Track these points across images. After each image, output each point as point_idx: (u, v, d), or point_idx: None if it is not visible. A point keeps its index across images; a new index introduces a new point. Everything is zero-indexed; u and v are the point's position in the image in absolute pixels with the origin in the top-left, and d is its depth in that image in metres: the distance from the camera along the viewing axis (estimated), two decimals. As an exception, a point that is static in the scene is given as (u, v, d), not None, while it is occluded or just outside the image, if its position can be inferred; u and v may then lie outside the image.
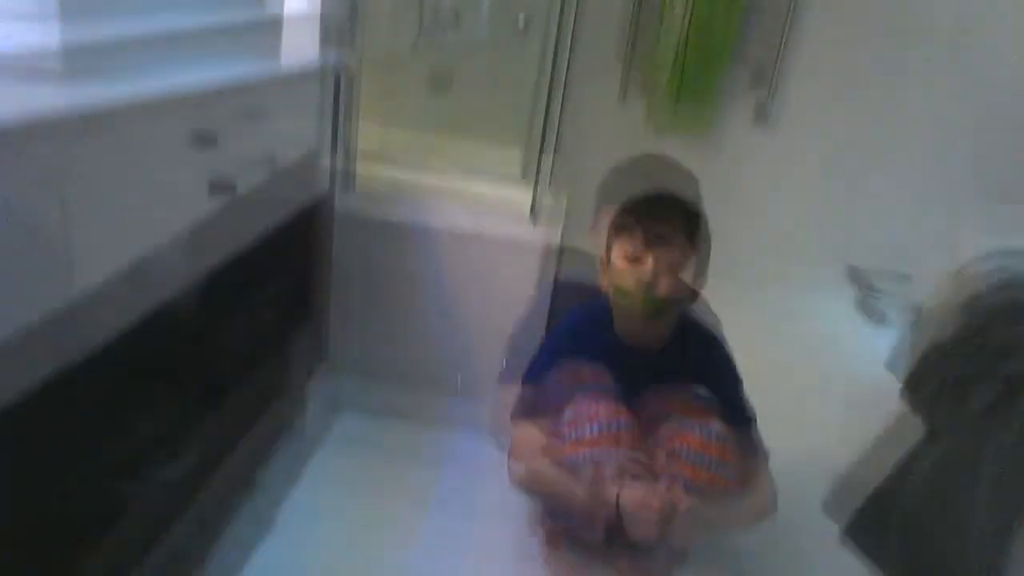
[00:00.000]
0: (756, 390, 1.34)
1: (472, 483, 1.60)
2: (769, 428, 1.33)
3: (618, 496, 1.16)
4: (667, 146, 2.90)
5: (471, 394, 1.75)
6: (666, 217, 1.23)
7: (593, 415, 1.22)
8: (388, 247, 1.64)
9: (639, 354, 1.29)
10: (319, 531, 1.42)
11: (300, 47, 1.41)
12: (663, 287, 1.21)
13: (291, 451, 1.61)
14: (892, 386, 1.71)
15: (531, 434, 1.27)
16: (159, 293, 0.90)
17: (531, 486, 1.28)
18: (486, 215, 1.65)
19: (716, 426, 1.23)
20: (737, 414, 1.30)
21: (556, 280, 1.77)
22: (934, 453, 1.51)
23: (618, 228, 1.26)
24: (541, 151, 1.64)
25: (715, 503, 1.19)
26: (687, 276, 1.24)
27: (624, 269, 1.23)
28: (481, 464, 1.66)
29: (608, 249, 1.29)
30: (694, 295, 1.29)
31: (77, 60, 0.77)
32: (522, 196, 1.67)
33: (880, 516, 1.55)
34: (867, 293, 3.12)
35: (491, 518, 1.51)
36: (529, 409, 1.29)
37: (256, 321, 1.37)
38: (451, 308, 1.68)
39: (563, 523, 1.35)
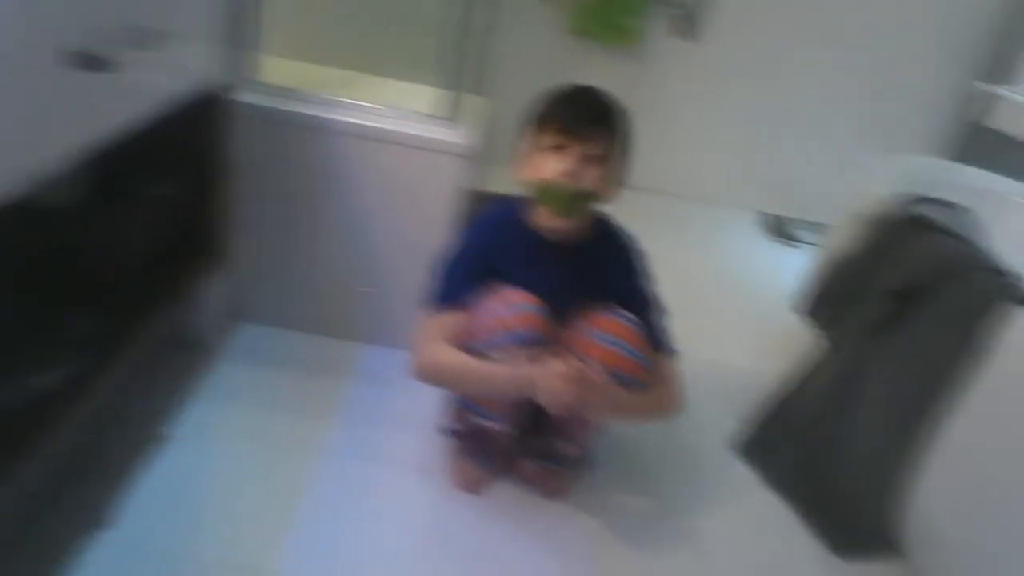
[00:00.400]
0: (666, 298, 1.36)
1: (379, 396, 1.58)
2: (677, 336, 1.35)
3: (531, 373, 1.15)
4: (592, 53, 2.86)
5: (381, 304, 1.70)
6: (590, 110, 1.22)
7: (503, 298, 1.21)
8: (295, 145, 1.54)
9: (557, 251, 1.27)
10: (218, 446, 1.37)
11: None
12: (586, 178, 1.20)
13: (188, 363, 1.54)
14: (795, 302, 1.76)
15: (440, 323, 1.25)
16: (16, 182, 0.80)
17: (437, 374, 1.25)
18: (401, 115, 1.57)
19: (627, 312, 1.25)
20: (651, 310, 1.32)
21: (478, 192, 1.72)
22: (829, 368, 1.57)
23: (541, 119, 1.23)
24: (460, 51, 1.55)
25: (625, 387, 1.21)
26: (608, 173, 1.23)
27: (547, 160, 1.21)
28: (388, 377, 1.63)
29: (530, 143, 1.25)
30: (614, 193, 1.27)
31: None
32: (440, 97, 1.58)
33: (775, 434, 1.62)
34: (777, 223, 3.19)
35: (398, 430, 1.49)
36: (443, 306, 1.27)
37: (142, 217, 1.26)
38: (362, 213, 1.60)
39: (472, 414, 1.34)
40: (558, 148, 1.20)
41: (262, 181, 1.57)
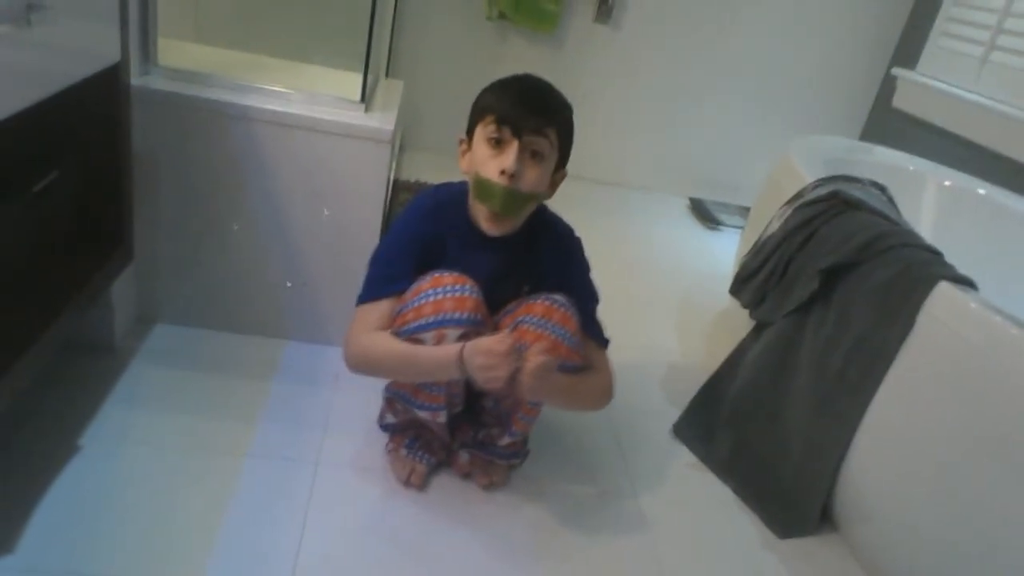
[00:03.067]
0: (601, 286, 1.34)
1: (307, 394, 1.51)
2: (610, 324, 1.33)
3: (461, 351, 1.11)
4: (511, 37, 2.82)
5: (304, 298, 1.62)
6: (531, 101, 1.17)
7: (436, 281, 1.17)
8: (204, 132, 1.45)
9: (494, 239, 1.24)
10: (136, 455, 1.27)
11: None
12: (526, 178, 1.16)
13: (97, 368, 1.44)
14: (726, 285, 1.78)
15: (374, 312, 1.20)
16: None
17: (369, 362, 1.21)
18: (314, 99, 1.50)
19: (560, 296, 1.23)
20: (586, 300, 1.30)
21: (397, 179, 1.66)
22: (759, 348, 1.58)
23: (481, 110, 1.19)
24: (371, 32, 1.49)
25: (561, 371, 1.18)
26: (548, 169, 1.20)
27: (487, 155, 1.17)
28: (315, 374, 1.56)
29: (471, 131, 1.22)
30: (554, 190, 1.26)
31: None
32: (355, 82, 1.52)
33: (711, 417, 1.63)
34: (705, 208, 3.24)
35: (328, 428, 1.43)
36: (377, 296, 1.22)
37: (34, 210, 1.16)
38: (279, 203, 1.52)
39: (406, 405, 1.30)
40: (497, 142, 1.16)
41: (170, 172, 1.47)
